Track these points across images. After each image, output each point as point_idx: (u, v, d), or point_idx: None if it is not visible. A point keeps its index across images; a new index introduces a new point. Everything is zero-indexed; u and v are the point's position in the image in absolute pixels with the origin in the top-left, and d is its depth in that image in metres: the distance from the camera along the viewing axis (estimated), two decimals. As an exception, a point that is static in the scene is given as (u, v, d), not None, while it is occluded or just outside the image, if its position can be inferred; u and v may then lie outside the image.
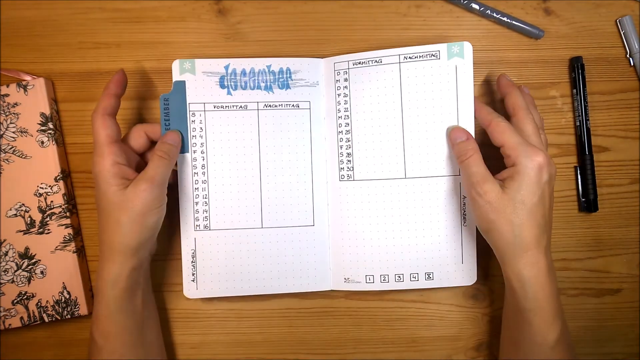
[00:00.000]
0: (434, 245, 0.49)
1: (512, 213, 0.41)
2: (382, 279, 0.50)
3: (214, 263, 0.49)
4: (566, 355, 0.43)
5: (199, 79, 0.48)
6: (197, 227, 0.49)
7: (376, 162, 0.49)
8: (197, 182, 0.48)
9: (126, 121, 0.51)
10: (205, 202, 0.48)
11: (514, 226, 0.41)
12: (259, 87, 0.49)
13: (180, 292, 0.49)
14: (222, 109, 0.49)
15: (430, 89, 0.48)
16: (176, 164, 0.48)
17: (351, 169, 0.49)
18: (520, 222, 0.41)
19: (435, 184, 0.49)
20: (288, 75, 0.49)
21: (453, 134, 0.46)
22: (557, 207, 0.52)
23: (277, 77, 0.49)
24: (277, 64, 0.49)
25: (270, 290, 0.49)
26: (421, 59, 0.48)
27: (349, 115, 0.49)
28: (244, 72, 0.49)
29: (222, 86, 0.48)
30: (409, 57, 0.48)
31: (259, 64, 0.49)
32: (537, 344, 0.42)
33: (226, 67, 0.49)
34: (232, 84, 0.49)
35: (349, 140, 0.49)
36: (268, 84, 0.49)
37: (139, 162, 0.48)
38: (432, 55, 0.48)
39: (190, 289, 0.49)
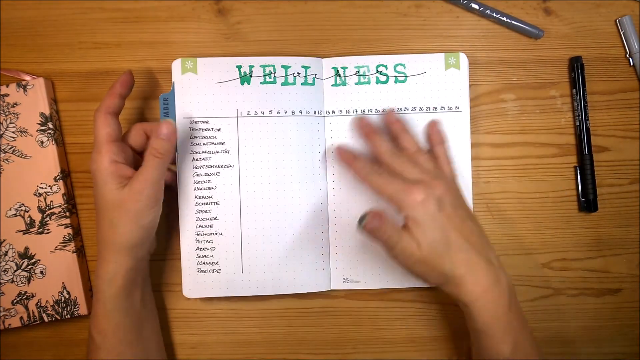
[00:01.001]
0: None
1: (431, 257, 0.41)
2: (381, 278, 0.50)
3: (214, 262, 0.49)
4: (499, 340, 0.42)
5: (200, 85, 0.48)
6: (197, 227, 0.49)
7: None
8: (197, 182, 0.48)
9: (126, 121, 0.51)
10: (206, 203, 0.48)
11: (439, 265, 0.41)
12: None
13: (180, 292, 0.49)
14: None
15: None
16: (175, 163, 0.48)
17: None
18: (442, 259, 0.41)
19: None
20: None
21: (368, 227, 0.42)
22: (557, 207, 0.52)
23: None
24: (279, 62, 0.49)
25: (270, 291, 0.49)
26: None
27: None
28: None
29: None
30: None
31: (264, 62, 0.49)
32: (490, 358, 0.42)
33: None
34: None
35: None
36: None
37: (138, 161, 0.47)
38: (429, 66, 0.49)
39: (190, 289, 0.49)
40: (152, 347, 0.48)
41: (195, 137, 0.48)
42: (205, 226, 0.49)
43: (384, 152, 0.46)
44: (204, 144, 0.49)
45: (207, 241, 0.49)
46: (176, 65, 0.48)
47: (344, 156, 0.47)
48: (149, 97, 0.51)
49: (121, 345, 0.44)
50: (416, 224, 0.41)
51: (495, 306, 0.41)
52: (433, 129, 0.49)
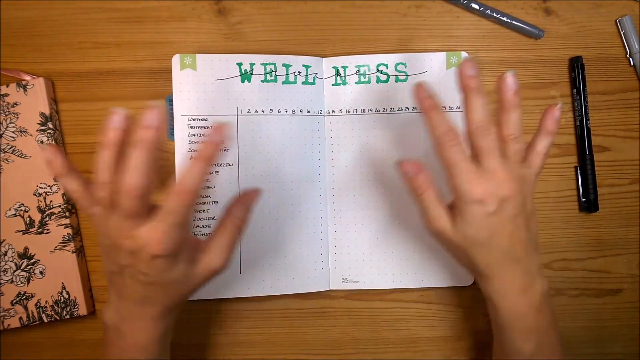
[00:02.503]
0: (432, 245, 0.49)
1: (465, 247, 0.39)
2: (381, 278, 0.50)
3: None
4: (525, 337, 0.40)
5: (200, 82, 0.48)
6: (194, 227, 0.48)
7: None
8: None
9: (126, 121, 0.51)
10: (204, 202, 0.48)
11: (471, 257, 0.39)
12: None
13: (180, 292, 0.49)
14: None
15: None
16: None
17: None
18: (476, 253, 0.39)
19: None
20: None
21: (402, 168, 0.40)
22: (558, 207, 0.52)
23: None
24: (280, 61, 0.49)
25: (268, 292, 0.49)
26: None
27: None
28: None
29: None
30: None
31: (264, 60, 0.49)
32: (508, 354, 0.41)
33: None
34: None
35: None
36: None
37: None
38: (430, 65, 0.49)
39: None
40: None
41: (194, 134, 0.48)
42: (203, 226, 0.49)
43: (476, 121, 0.38)
44: (202, 142, 0.48)
45: None
46: (175, 61, 0.48)
47: (425, 101, 0.39)
48: (149, 98, 0.51)
49: None
50: (462, 216, 0.38)
51: (521, 307, 0.40)
52: (549, 115, 0.42)
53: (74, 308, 0.50)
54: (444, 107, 0.49)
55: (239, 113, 0.49)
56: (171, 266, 0.37)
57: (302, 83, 0.49)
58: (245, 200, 0.41)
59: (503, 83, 0.39)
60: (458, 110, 0.49)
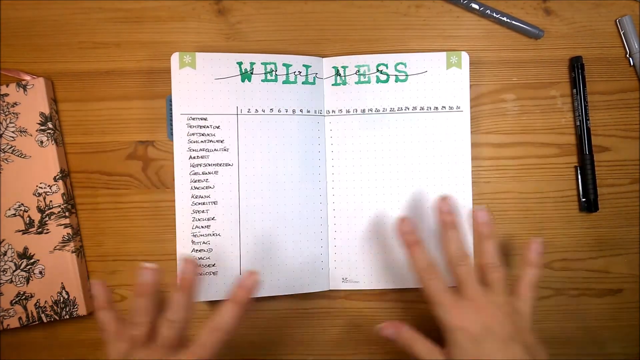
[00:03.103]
0: (431, 245, 0.49)
1: None
2: (381, 278, 0.50)
3: (210, 264, 0.49)
4: None
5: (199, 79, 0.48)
6: (193, 228, 0.48)
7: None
8: (194, 181, 0.48)
9: (126, 121, 0.51)
10: (203, 203, 0.48)
11: None
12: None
13: (179, 292, 0.49)
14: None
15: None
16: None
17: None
18: None
19: (433, 185, 0.49)
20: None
21: (383, 330, 0.42)
22: (558, 207, 0.52)
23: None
24: (280, 60, 0.49)
25: (268, 292, 0.49)
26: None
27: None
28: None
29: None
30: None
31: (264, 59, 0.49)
32: None
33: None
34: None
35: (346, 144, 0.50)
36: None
37: None
38: (430, 65, 0.49)
39: None
40: None
41: (193, 134, 0.48)
42: (202, 227, 0.48)
43: (452, 253, 0.42)
44: (201, 141, 0.48)
45: (203, 242, 0.48)
46: (174, 60, 0.48)
47: (407, 236, 0.43)
48: (149, 98, 0.51)
49: None
50: (452, 345, 0.39)
51: None
52: (532, 249, 0.43)
53: (73, 308, 0.50)
54: (444, 107, 0.49)
55: (239, 112, 0.48)
56: None
57: (302, 83, 0.49)
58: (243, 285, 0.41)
59: (477, 215, 0.43)
60: (458, 110, 0.49)
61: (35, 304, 0.49)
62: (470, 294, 0.41)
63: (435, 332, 0.52)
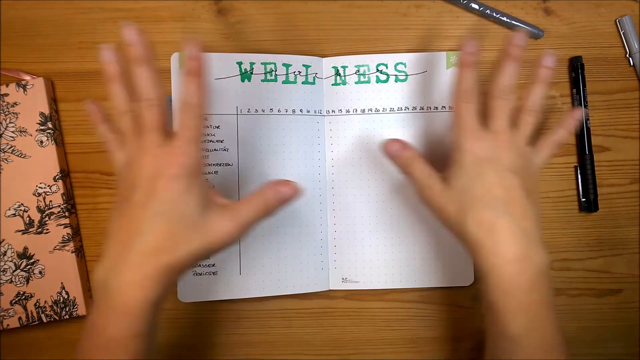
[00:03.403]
0: (431, 245, 0.49)
1: (454, 207, 0.39)
2: (381, 278, 0.50)
3: (210, 264, 0.49)
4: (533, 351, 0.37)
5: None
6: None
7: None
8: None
9: (126, 121, 0.51)
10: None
11: (460, 222, 0.38)
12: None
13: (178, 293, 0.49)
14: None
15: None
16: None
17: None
18: (465, 213, 0.38)
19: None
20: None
21: (387, 148, 0.42)
22: (558, 207, 0.52)
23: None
24: (280, 60, 0.49)
25: (268, 292, 0.49)
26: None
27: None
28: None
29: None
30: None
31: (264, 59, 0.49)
32: (497, 333, 0.38)
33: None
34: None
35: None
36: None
37: None
38: (430, 65, 0.49)
39: (185, 293, 0.48)
40: None
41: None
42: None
43: (500, 84, 0.41)
44: (201, 141, 0.48)
45: None
46: (174, 60, 0.48)
47: (466, 56, 0.40)
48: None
49: None
50: (455, 168, 0.39)
51: (513, 279, 0.36)
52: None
53: (73, 308, 0.50)
54: (444, 107, 0.49)
55: (239, 112, 0.48)
56: (185, 194, 0.35)
57: (302, 83, 0.49)
58: (278, 189, 0.39)
59: (543, 58, 0.42)
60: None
61: (35, 304, 0.49)
62: (496, 127, 0.40)
63: (436, 331, 0.52)
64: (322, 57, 0.50)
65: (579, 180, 0.51)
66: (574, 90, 0.51)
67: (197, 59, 0.37)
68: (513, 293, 0.37)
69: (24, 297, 0.49)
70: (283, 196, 0.39)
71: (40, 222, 0.49)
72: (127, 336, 0.35)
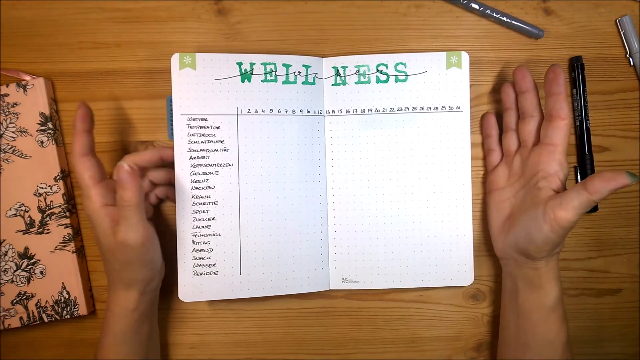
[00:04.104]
0: (431, 245, 0.49)
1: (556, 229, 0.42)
2: (380, 277, 0.50)
3: (211, 264, 0.49)
4: (562, 322, 0.45)
5: (199, 80, 0.48)
6: (194, 228, 0.48)
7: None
8: (194, 181, 0.48)
9: (127, 121, 0.51)
10: (203, 203, 0.48)
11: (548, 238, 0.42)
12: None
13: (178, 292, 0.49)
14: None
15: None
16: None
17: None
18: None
19: (433, 185, 0.49)
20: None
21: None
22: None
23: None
24: (280, 61, 0.49)
25: (269, 292, 0.49)
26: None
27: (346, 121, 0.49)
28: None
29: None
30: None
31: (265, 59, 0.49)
32: (538, 306, 0.45)
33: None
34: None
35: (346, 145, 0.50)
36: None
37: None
38: (430, 65, 0.49)
39: (186, 293, 0.48)
40: None
41: (193, 134, 0.48)
42: (203, 227, 0.48)
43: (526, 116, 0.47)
44: (202, 142, 0.48)
45: (204, 242, 0.48)
46: (174, 60, 0.48)
47: (555, 76, 0.44)
48: (149, 98, 0.51)
49: None
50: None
51: (559, 293, 0.45)
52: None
53: (74, 308, 0.50)
54: (444, 107, 0.49)
55: (239, 113, 0.49)
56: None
57: (302, 83, 0.49)
58: (119, 181, 0.41)
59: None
60: (458, 110, 0.49)
61: (36, 304, 0.49)
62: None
63: (436, 331, 0.52)
64: (322, 57, 0.50)
65: (579, 180, 0.51)
66: (574, 90, 0.51)
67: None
68: (560, 304, 0.45)
69: (25, 297, 0.49)
70: (125, 183, 0.41)
71: (41, 222, 0.49)
72: None
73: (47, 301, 0.49)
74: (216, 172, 0.48)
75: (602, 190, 0.38)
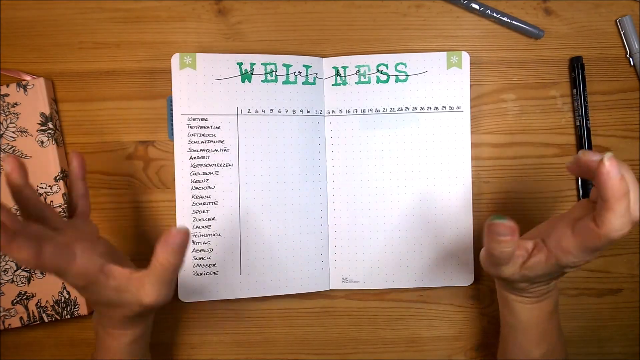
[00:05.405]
0: (431, 245, 0.49)
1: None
2: (380, 277, 0.50)
3: (211, 264, 0.49)
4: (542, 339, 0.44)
5: (199, 81, 0.48)
6: (194, 228, 0.48)
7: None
8: (194, 181, 0.48)
9: (126, 121, 0.51)
10: (203, 203, 0.48)
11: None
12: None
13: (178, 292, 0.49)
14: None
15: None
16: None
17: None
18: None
19: (433, 185, 0.49)
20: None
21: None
22: (558, 207, 0.52)
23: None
24: (280, 61, 0.49)
25: (269, 292, 0.49)
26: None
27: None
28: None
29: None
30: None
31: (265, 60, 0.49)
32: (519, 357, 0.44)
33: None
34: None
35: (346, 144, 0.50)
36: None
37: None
38: (431, 65, 0.49)
39: (186, 293, 0.49)
40: None
41: (193, 134, 0.48)
42: (203, 227, 0.48)
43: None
44: (202, 141, 0.48)
45: (204, 242, 0.48)
46: (175, 60, 0.48)
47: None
48: (149, 98, 0.51)
49: None
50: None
51: (540, 312, 0.43)
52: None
53: (74, 308, 0.50)
54: (444, 107, 0.49)
55: (239, 113, 0.49)
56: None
57: (303, 83, 0.49)
58: (168, 243, 0.35)
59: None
60: (458, 110, 0.49)
61: (36, 304, 0.49)
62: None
63: (436, 331, 0.52)
64: (323, 57, 0.50)
65: (579, 180, 0.51)
66: (574, 91, 0.51)
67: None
68: (540, 321, 0.43)
69: (25, 296, 0.49)
70: (174, 247, 0.35)
71: (41, 222, 0.49)
72: None
73: (47, 301, 0.49)
74: (216, 172, 0.48)
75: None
